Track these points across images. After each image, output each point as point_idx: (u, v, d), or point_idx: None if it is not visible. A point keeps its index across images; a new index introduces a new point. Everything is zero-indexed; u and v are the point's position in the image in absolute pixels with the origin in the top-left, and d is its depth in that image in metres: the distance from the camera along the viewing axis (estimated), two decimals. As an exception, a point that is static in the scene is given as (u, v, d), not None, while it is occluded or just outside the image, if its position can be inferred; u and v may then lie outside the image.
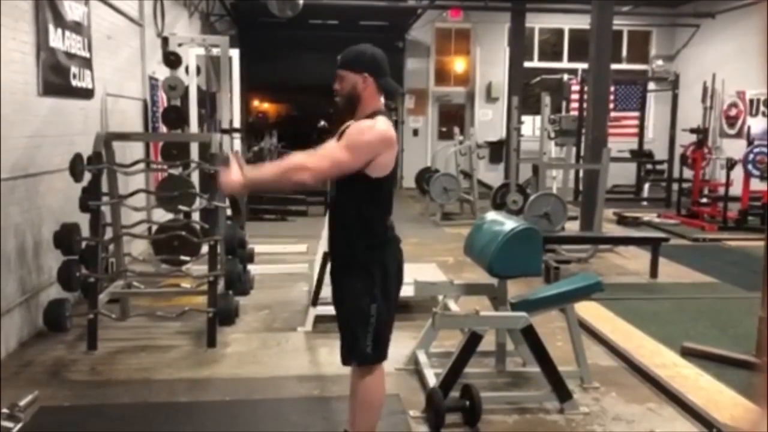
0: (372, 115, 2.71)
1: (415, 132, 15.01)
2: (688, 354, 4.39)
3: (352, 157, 2.61)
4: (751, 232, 8.69)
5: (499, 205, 9.95)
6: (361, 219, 2.71)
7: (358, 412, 2.91)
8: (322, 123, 19.86)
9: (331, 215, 2.92)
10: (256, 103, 22.65)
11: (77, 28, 5.48)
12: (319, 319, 4.92)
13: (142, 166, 5.72)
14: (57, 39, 5.06)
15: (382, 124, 2.67)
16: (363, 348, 2.77)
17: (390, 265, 2.80)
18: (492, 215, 4.09)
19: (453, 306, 4.29)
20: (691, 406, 3.64)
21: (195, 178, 6.03)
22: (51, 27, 4.95)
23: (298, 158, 2.62)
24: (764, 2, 10.63)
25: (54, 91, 5.05)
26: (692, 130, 11.20)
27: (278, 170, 2.64)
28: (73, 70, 5.40)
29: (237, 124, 8.85)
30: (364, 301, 2.74)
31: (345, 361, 2.89)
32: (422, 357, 4.13)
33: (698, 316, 5.33)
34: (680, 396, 3.75)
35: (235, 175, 2.58)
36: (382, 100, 2.83)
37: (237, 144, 8.54)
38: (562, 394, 3.61)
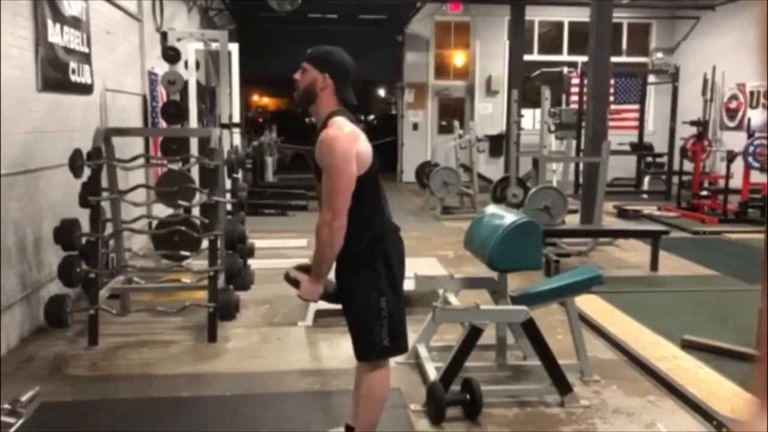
0: (329, 118, 2.71)
1: (415, 126, 15.00)
2: (688, 347, 4.40)
3: (345, 175, 2.60)
4: (752, 225, 8.69)
5: (499, 199, 9.95)
6: (357, 216, 2.70)
7: (361, 407, 2.91)
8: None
9: None
10: (255, 97, 22.64)
11: (76, 23, 5.47)
12: (320, 314, 4.93)
13: (141, 161, 5.72)
14: (56, 34, 5.05)
15: (339, 128, 2.65)
16: (380, 342, 2.77)
17: (392, 256, 2.80)
18: (492, 209, 4.09)
19: (453, 300, 4.31)
20: (691, 398, 3.64)
21: (195, 173, 6.03)
22: (50, 22, 4.94)
23: (318, 227, 2.66)
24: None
25: (53, 86, 5.04)
26: (692, 123, 11.18)
27: (320, 249, 2.69)
28: (72, 65, 5.39)
29: (236, 118, 8.84)
30: (372, 295, 2.74)
31: (362, 357, 2.87)
32: (423, 351, 4.14)
33: (698, 309, 5.33)
34: (680, 388, 3.76)
35: (308, 286, 2.76)
36: (338, 105, 2.79)
37: (236, 139, 8.53)
38: (563, 387, 3.62)
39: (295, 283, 2.83)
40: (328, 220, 2.61)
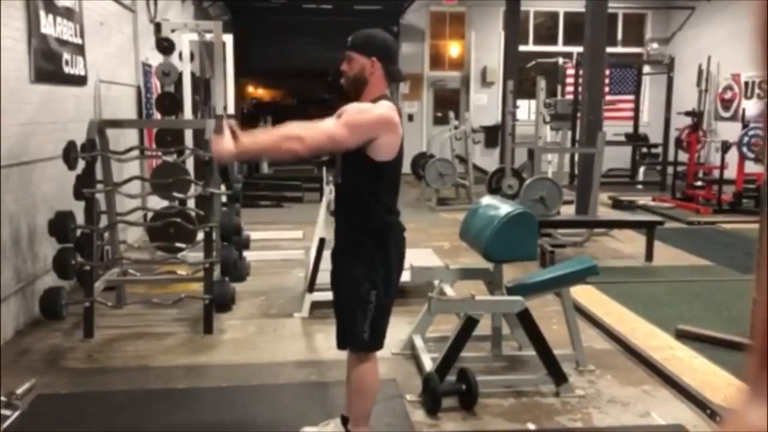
0: (376, 101, 2.69)
1: (410, 117, 14.96)
2: (682, 336, 4.42)
3: (348, 134, 2.57)
4: (746, 215, 8.71)
5: (494, 190, 9.95)
6: (364, 203, 2.70)
7: (352, 400, 2.93)
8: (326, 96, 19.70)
9: (336, 198, 2.91)
10: (250, 89, 22.56)
11: (69, 14, 5.43)
12: (316, 305, 4.93)
13: (136, 153, 5.70)
14: (48, 25, 5.02)
15: (384, 108, 2.65)
16: (360, 334, 2.77)
17: (392, 253, 2.79)
18: (487, 200, 4.09)
19: (449, 291, 4.31)
20: (685, 387, 3.66)
21: (190, 164, 6.01)
22: (42, 13, 4.91)
23: (294, 128, 2.58)
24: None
25: (46, 78, 5.01)
26: (687, 113, 11.20)
27: (272, 138, 2.59)
28: (66, 56, 5.36)
29: (231, 110, 8.80)
30: (363, 287, 2.73)
31: (340, 345, 2.90)
32: (418, 342, 4.15)
33: (693, 299, 5.35)
34: (675, 378, 3.78)
35: (227, 142, 2.50)
36: (387, 88, 2.79)
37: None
38: (558, 377, 3.64)
39: (219, 130, 2.56)
40: (306, 139, 2.52)
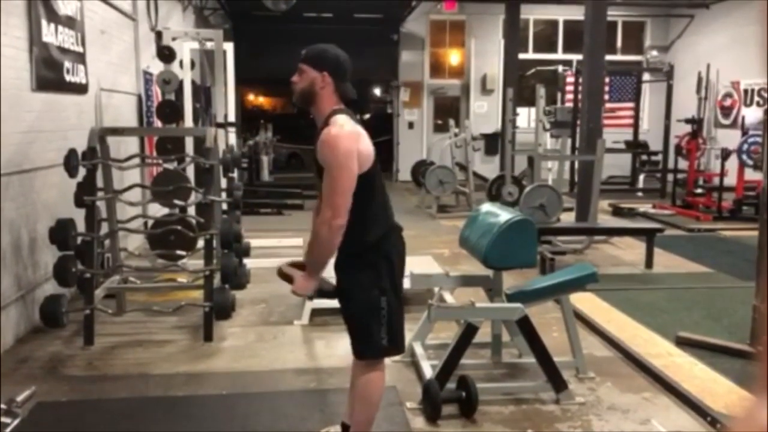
0: (330, 116, 2.70)
1: (411, 125, 15.00)
2: (682, 343, 4.41)
3: (347, 173, 2.59)
4: (746, 222, 8.72)
5: (494, 197, 9.96)
6: (359, 215, 2.70)
7: (357, 406, 2.91)
8: None
9: None
10: (251, 97, 22.61)
11: (70, 22, 5.46)
12: (316, 313, 4.93)
13: (137, 160, 5.71)
14: (50, 34, 5.04)
15: (341, 126, 2.64)
16: (378, 341, 2.77)
17: (393, 256, 2.81)
18: (487, 207, 4.10)
19: (449, 298, 4.32)
20: (685, 395, 3.66)
21: (190, 172, 6.03)
22: (44, 22, 4.93)
23: (318, 225, 2.65)
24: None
25: (47, 86, 5.03)
26: (687, 121, 11.22)
27: (316, 245, 2.68)
28: (67, 65, 5.38)
29: (232, 118, 8.84)
30: (373, 294, 2.74)
31: (360, 355, 2.86)
32: (418, 349, 4.15)
33: (693, 306, 5.35)
34: (675, 385, 3.78)
35: (302, 282, 2.78)
36: (338, 102, 2.78)
37: (232, 138, 8.53)
38: (558, 384, 3.63)
39: (288, 278, 2.84)
40: (328, 218, 2.60)
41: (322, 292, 2.88)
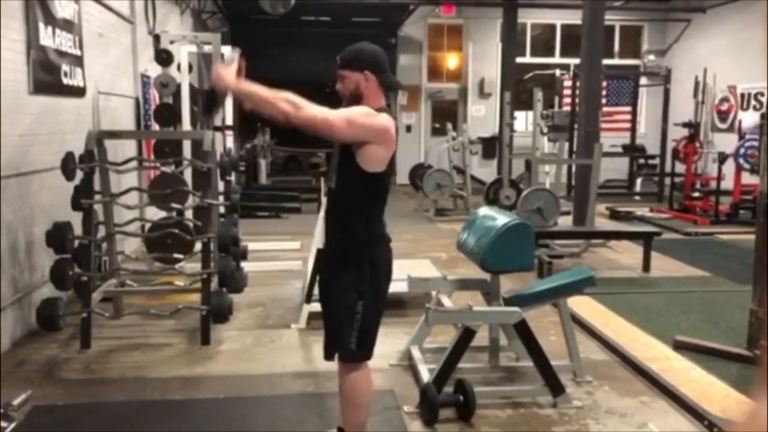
0: (373, 105, 2.72)
1: (408, 128, 15.01)
2: (680, 347, 4.41)
3: (345, 126, 2.58)
4: (743, 226, 8.72)
5: (492, 201, 9.97)
6: (355, 214, 2.71)
7: (345, 411, 2.91)
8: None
9: (327, 209, 2.93)
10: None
11: (68, 25, 5.46)
12: (313, 316, 4.92)
13: (134, 164, 5.70)
14: (47, 37, 5.04)
15: (385, 120, 2.67)
16: (347, 344, 2.76)
17: (381, 263, 2.80)
18: (485, 210, 4.10)
19: (446, 301, 4.32)
20: (683, 398, 3.66)
21: (188, 175, 6.02)
22: (41, 25, 4.93)
23: (296, 97, 2.58)
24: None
25: (45, 89, 5.03)
26: (684, 125, 11.25)
27: (272, 93, 2.56)
28: (64, 68, 5.38)
29: (230, 121, 8.84)
30: (351, 296, 2.73)
31: (327, 354, 2.89)
32: (416, 352, 4.14)
33: (690, 310, 5.36)
34: (672, 389, 3.78)
35: (231, 73, 2.56)
36: (383, 99, 2.80)
37: (230, 141, 8.53)
38: (555, 388, 3.63)
39: (229, 62, 2.68)
40: (300, 108, 2.52)
41: (212, 92, 2.73)
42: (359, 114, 2.63)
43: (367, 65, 2.72)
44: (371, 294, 2.75)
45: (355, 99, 2.73)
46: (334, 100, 2.79)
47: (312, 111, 2.56)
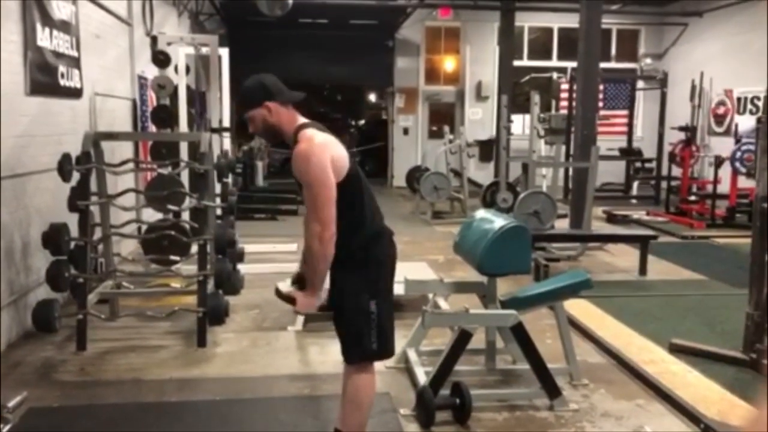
0: (297, 133, 2.72)
1: (406, 131, 15.02)
2: (676, 350, 4.42)
3: (325, 186, 2.60)
4: (739, 229, 8.74)
5: (489, 204, 9.98)
6: (344, 222, 2.70)
7: (347, 411, 2.91)
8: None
9: None
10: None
11: (65, 27, 5.45)
12: (310, 319, 4.92)
13: (131, 165, 5.70)
14: (44, 38, 5.03)
15: (310, 140, 2.65)
16: (368, 345, 2.78)
17: (383, 258, 2.82)
18: (482, 213, 4.10)
19: (443, 304, 4.31)
20: (679, 402, 3.66)
21: (184, 177, 6.02)
22: (38, 26, 4.92)
23: (308, 240, 2.64)
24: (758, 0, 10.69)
25: (42, 90, 5.02)
26: (681, 128, 11.27)
27: (312, 260, 2.66)
28: (61, 69, 5.38)
29: (227, 123, 8.83)
30: (363, 298, 2.75)
31: (349, 359, 2.86)
32: (412, 355, 4.14)
33: (686, 313, 5.36)
34: (668, 392, 3.78)
35: (305, 300, 2.74)
36: (298, 116, 2.79)
37: (227, 143, 8.52)
38: (552, 391, 3.63)
39: (288, 299, 2.81)
40: (318, 232, 2.61)
41: (325, 307, 2.85)
42: (306, 170, 2.60)
43: (261, 97, 2.73)
44: (382, 292, 2.78)
45: (271, 132, 2.76)
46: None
47: (318, 219, 2.61)
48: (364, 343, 2.77)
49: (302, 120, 2.78)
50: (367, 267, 2.77)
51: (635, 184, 12.70)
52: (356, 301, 2.75)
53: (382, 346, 2.81)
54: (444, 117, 14.80)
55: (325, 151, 2.64)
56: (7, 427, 3.17)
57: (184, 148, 6.47)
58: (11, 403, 3.22)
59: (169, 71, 6.80)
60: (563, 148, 9.87)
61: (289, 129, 2.75)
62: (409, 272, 4.52)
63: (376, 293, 2.76)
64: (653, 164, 12.44)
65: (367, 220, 2.80)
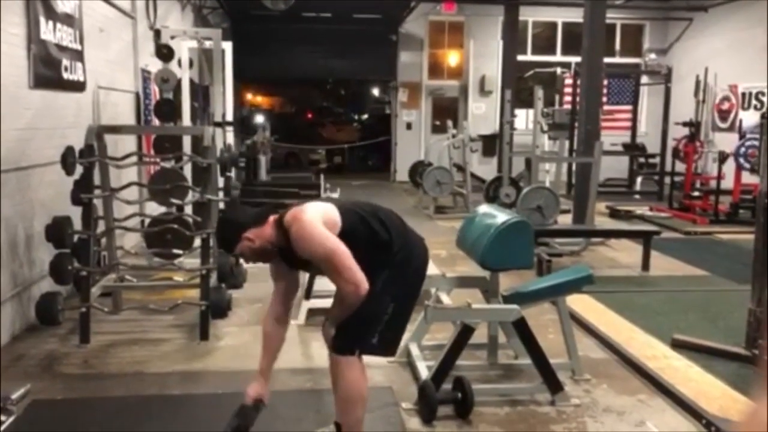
0: (280, 226, 2.78)
1: (409, 125, 15.01)
2: (678, 346, 4.42)
3: (336, 249, 2.63)
4: (743, 225, 8.72)
5: (492, 199, 9.97)
6: (366, 262, 2.72)
7: (342, 409, 2.91)
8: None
9: None
10: (249, 96, 22.57)
11: (68, 20, 5.45)
12: (312, 312, 4.93)
13: (134, 159, 5.71)
14: (48, 31, 5.03)
15: (294, 219, 2.71)
16: (369, 340, 2.81)
17: (414, 263, 2.90)
18: (484, 208, 4.10)
19: (445, 299, 4.31)
20: (681, 397, 3.67)
21: (187, 171, 6.02)
22: (42, 19, 4.92)
23: (346, 296, 2.68)
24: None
25: (45, 83, 5.02)
26: (684, 124, 11.23)
27: (348, 309, 2.72)
28: (65, 62, 5.38)
29: (230, 117, 8.83)
30: (384, 300, 2.78)
31: (339, 349, 2.84)
32: (414, 349, 4.15)
33: (689, 309, 5.36)
34: (670, 388, 3.78)
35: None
36: (271, 219, 2.84)
37: (230, 137, 8.52)
38: (554, 386, 3.63)
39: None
40: (353, 291, 2.64)
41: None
42: (313, 241, 2.65)
43: (236, 235, 2.80)
44: (403, 296, 2.87)
45: (265, 252, 2.83)
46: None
47: (345, 275, 2.64)
48: (366, 338, 2.79)
49: (274, 219, 2.82)
50: (397, 269, 2.82)
51: (638, 180, 12.67)
52: (377, 303, 2.76)
53: (383, 343, 2.83)
54: (447, 111, 14.79)
55: (316, 221, 2.68)
56: (11, 419, 3.19)
57: (187, 142, 6.47)
58: (15, 395, 3.24)
59: (173, 65, 6.81)
60: (566, 143, 9.85)
61: (273, 235, 2.79)
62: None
63: (399, 296, 2.82)
64: (657, 160, 12.41)
65: (386, 245, 2.82)
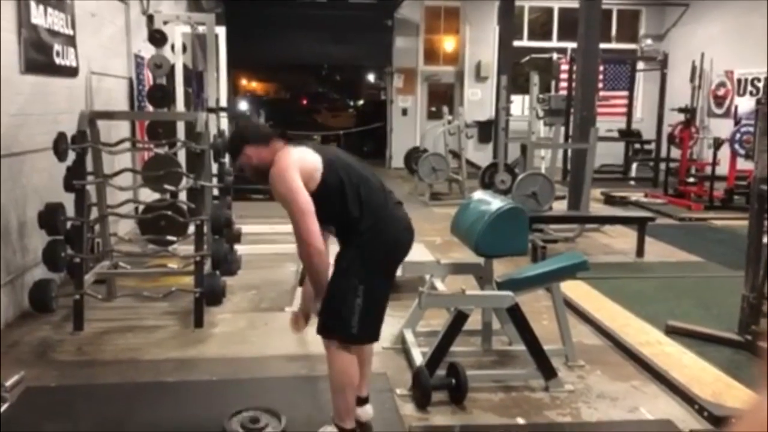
0: (272, 158, 2.82)
1: (404, 111, 14.96)
2: (672, 332, 4.43)
3: (299, 201, 2.67)
4: (737, 212, 8.74)
5: (487, 185, 9.96)
6: (339, 220, 2.83)
7: (333, 395, 2.95)
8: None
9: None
10: (244, 81, 22.46)
11: (60, 4, 5.39)
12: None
13: (127, 145, 5.66)
14: (39, 16, 4.98)
15: (277, 161, 2.76)
16: (348, 328, 2.78)
17: (389, 245, 2.88)
18: (479, 195, 4.09)
19: (440, 285, 4.32)
20: (674, 383, 3.68)
21: (181, 157, 5.99)
22: (33, 3, 4.86)
23: (301, 256, 2.77)
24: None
25: (36, 68, 4.98)
26: (680, 110, 11.23)
27: (312, 274, 2.82)
28: (57, 47, 5.33)
29: (224, 103, 8.79)
30: (351, 282, 2.76)
31: (322, 331, 2.86)
32: (409, 336, 4.15)
33: (683, 295, 5.38)
34: (664, 373, 3.80)
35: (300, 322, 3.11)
36: (276, 142, 2.87)
37: (224, 123, 8.48)
38: (547, 372, 3.65)
39: (306, 318, 3.05)
40: (306, 247, 2.70)
41: None
42: (279, 186, 2.71)
43: (238, 145, 2.88)
44: (376, 278, 2.84)
45: (261, 172, 2.84)
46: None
47: (302, 230, 2.69)
48: (345, 325, 2.78)
49: (279, 146, 2.85)
50: (367, 250, 2.78)
51: (634, 166, 12.67)
52: (346, 283, 2.77)
53: (363, 330, 2.82)
54: (443, 97, 14.74)
55: (292, 168, 2.71)
56: (5, 406, 3.19)
57: (180, 128, 6.43)
58: (9, 383, 3.23)
59: (166, 50, 6.75)
60: (562, 129, 9.84)
61: (269, 159, 2.81)
62: (406, 253, 4.50)
63: (368, 279, 2.77)
64: (652, 146, 12.41)
65: (367, 209, 2.80)
